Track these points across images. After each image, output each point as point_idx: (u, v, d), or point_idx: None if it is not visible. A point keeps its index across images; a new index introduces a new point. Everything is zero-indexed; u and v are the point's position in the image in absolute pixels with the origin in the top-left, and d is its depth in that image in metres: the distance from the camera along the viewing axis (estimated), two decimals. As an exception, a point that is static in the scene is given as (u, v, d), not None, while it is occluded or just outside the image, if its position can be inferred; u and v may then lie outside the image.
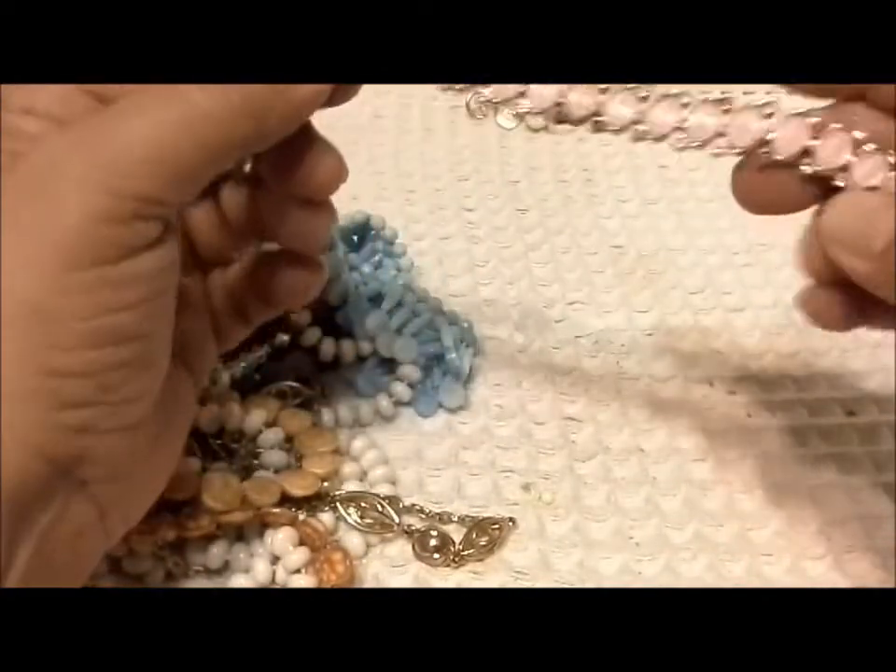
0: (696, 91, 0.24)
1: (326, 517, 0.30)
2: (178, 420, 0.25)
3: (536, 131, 0.48)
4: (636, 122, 0.24)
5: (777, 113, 0.23)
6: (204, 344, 0.27)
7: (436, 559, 0.29)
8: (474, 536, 0.29)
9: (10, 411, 0.19)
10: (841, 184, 0.23)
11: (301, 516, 0.29)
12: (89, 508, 0.22)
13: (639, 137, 0.24)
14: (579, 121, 0.25)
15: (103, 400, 0.20)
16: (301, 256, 0.27)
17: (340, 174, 0.24)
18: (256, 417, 0.31)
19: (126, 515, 0.24)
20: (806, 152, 0.23)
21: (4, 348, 0.19)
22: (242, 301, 0.28)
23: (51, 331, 0.19)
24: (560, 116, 0.24)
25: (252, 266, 0.28)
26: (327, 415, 0.33)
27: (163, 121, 0.20)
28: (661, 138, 0.24)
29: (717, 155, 0.24)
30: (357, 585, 0.28)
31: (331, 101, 0.23)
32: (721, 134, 0.24)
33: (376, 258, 0.37)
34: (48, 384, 0.19)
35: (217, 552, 0.28)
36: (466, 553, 0.29)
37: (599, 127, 0.24)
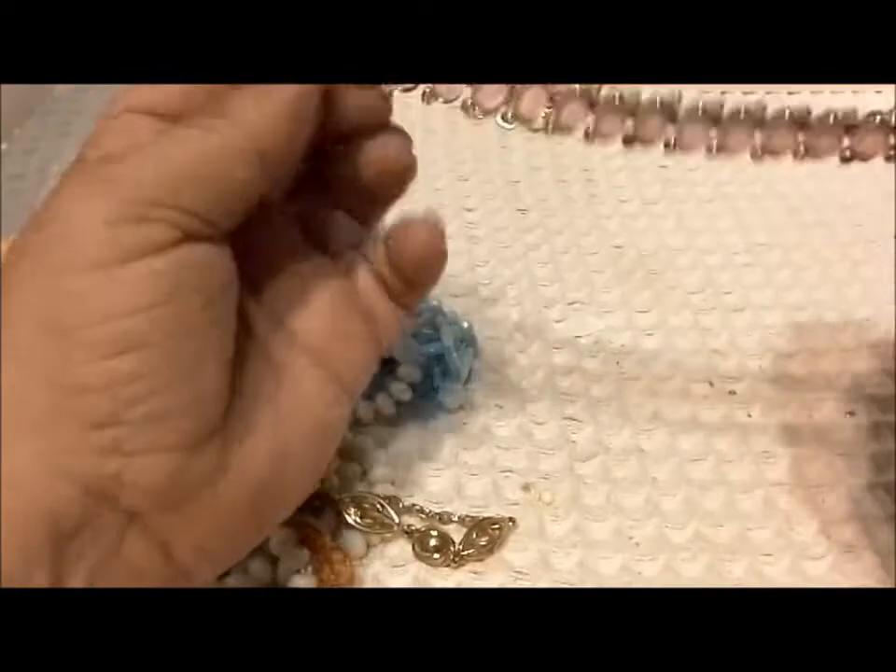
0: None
1: (326, 517, 0.30)
2: (297, 440, 0.24)
3: (536, 131, 0.48)
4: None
5: None
6: (354, 347, 0.25)
7: (436, 559, 0.29)
8: (474, 536, 0.29)
9: (38, 436, 0.19)
10: None
11: (301, 516, 0.29)
12: (146, 545, 0.21)
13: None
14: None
15: (125, 418, 0.19)
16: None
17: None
18: (256, 417, 0.31)
19: (209, 550, 0.22)
20: None
21: (25, 368, 0.19)
22: (391, 284, 0.26)
23: (63, 344, 0.19)
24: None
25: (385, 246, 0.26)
26: (327, 415, 0.33)
27: (182, 150, 0.20)
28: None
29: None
30: (357, 585, 0.28)
31: None
32: None
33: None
34: (69, 402, 0.19)
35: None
36: (466, 553, 0.29)
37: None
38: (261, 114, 0.21)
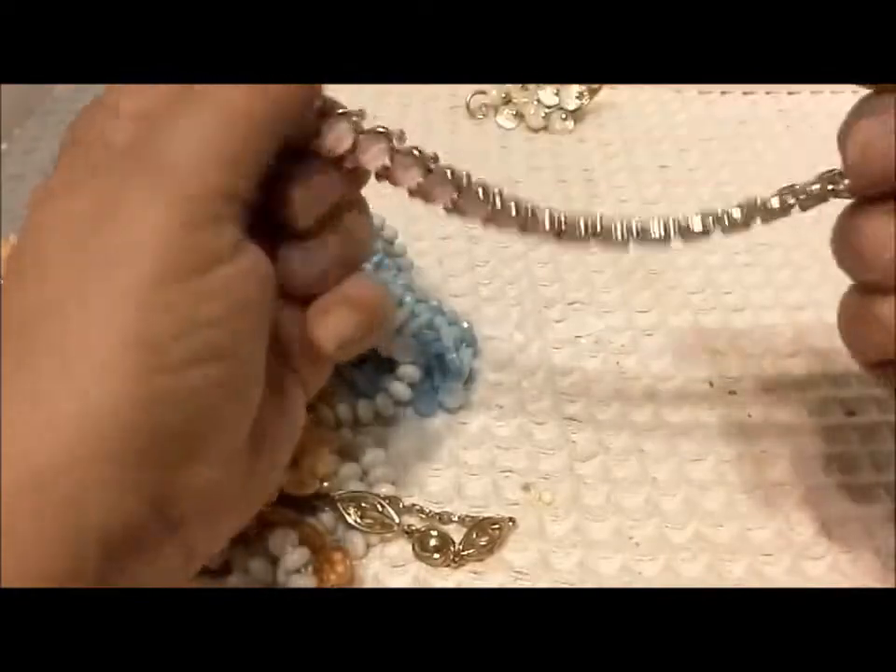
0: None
1: (326, 517, 0.30)
2: (279, 441, 0.25)
3: (536, 131, 0.48)
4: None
5: None
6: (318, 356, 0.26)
7: (436, 559, 0.29)
8: (474, 536, 0.29)
9: (111, 450, 0.18)
10: None
11: (301, 516, 0.29)
12: (178, 553, 0.21)
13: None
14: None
15: (199, 429, 0.20)
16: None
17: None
18: (256, 417, 0.31)
19: (207, 549, 0.23)
20: None
21: (109, 382, 0.18)
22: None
23: (149, 356, 0.19)
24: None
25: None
26: (327, 415, 0.33)
27: (208, 122, 0.20)
28: None
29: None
30: (357, 585, 0.28)
31: None
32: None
33: (376, 257, 0.37)
34: (148, 415, 0.19)
35: (217, 552, 0.28)
36: (466, 553, 0.29)
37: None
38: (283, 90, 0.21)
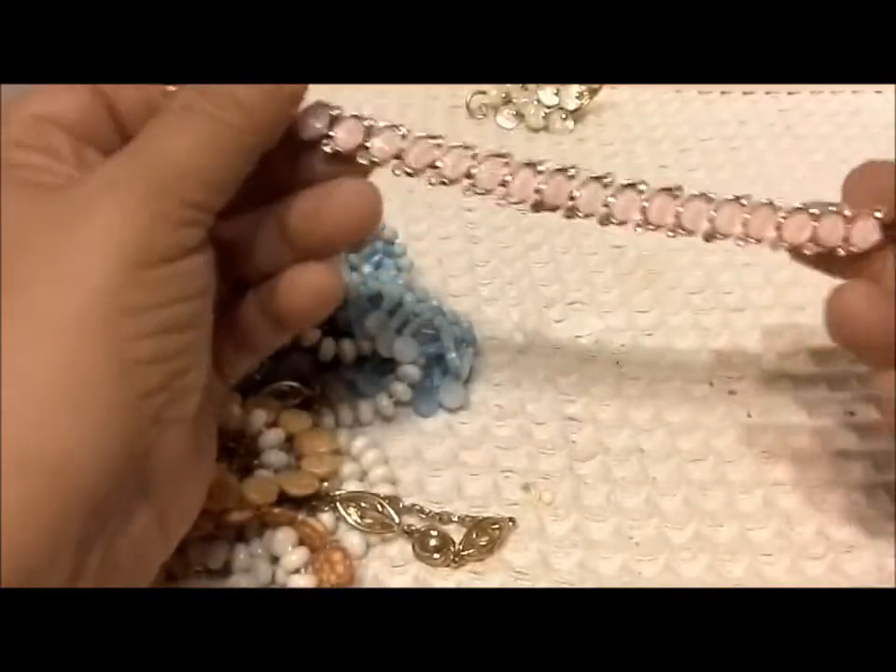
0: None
1: (326, 517, 0.30)
2: (213, 423, 0.26)
3: (536, 131, 0.48)
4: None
5: None
6: (236, 352, 0.28)
7: (436, 559, 0.29)
8: (474, 536, 0.29)
9: (97, 399, 0.20)
10: None
11: (301, 516, 0.29)
12: (149, 511, 0.22)
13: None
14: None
15: (170, 387, 0.22)
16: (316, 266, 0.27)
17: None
18: (256, 418, 0.31)
19: (179, 521, 0.24)
20: None
21: (90, 342, 0.20)
22: (251, 329, 0.27)
23: (130, 322, 0.21)
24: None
25: (266, 289, 0.27)
26: (327, 415, 0.33)
27: (199, 139, 0.23)
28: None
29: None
30: (357, 585, 0.28)
31: None
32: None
33: (376, 257, 0.37)
34: (128, 373, 0.21)
35: (217, 552, 0.28)
36: (466, 553, 0.29)
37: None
38: (273, 105, 0.23)
